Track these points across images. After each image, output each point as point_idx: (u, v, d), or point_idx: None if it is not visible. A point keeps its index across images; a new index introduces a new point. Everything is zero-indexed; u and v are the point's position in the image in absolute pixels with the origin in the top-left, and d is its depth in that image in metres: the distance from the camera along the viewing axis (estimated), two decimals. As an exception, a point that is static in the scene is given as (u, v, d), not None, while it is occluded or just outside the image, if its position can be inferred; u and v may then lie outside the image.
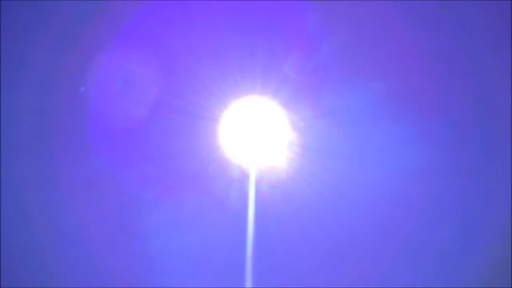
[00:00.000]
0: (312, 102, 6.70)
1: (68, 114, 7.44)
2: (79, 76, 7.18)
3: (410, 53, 6.94)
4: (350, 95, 6.74)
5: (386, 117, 7.17)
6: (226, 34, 6.70)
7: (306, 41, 6.74)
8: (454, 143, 7.58)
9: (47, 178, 7.48)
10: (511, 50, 6.77)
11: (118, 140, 7.12)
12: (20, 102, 7.53)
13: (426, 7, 6.69)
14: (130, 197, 7.16)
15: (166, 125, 7.13)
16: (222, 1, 6.73)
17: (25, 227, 7.12)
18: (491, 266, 7.36)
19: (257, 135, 6.73)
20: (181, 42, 6.98)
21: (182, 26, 6.97)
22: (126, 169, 7.24)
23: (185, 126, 7.28)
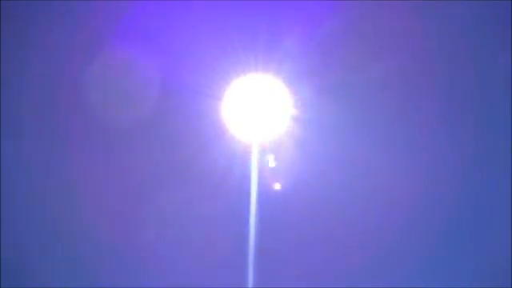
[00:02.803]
0: (314, 78, 6.71)
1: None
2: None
3: (410, 32, 6.96)
4: (351, 72, 6.75)
5: (386, 93, 7.17)
6: (228, 12, 6.73)
7: (308, 18, 6.75)
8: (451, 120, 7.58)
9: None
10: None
11: (121, 119, 7.13)
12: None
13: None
14: (136, 175, 7.20)
15: (170, 103, 7.14)
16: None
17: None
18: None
19: (259, 111, 6.78)
20: (184, 19, 6.99)
21: (186, 3, 6.98)
22: (131, 148, 7.26)
23: (188, 104, 7.29)
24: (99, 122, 7.41)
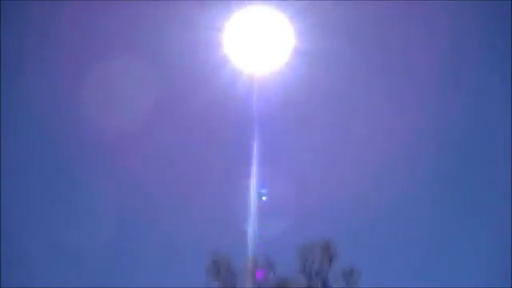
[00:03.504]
0: (315, 10, 6.87)
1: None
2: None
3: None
4: (351, 4, 6.94)
5: (387, 27, 7.37)
6: None
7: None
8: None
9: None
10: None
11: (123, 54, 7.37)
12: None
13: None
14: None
15: (171, 36, 7.36)
16: None
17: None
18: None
19: (260, 42, 6.99)
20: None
21: None
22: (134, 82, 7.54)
23: (190, 36, 7.50)
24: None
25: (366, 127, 24.16)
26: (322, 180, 24.47)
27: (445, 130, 24.56)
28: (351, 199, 24.99)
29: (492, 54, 23.01)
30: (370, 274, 22.83)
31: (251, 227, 23.15)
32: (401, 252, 26.05)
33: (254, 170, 22.74)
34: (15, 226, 20.74)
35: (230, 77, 18.56)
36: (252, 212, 23.42)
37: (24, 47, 20.15)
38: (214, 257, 22.67)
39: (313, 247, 23.09)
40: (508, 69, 21.90)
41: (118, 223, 22.76)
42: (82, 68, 20.91)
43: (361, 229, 25.55)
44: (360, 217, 25.52)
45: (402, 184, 25.65)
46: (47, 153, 22.40)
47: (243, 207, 23.22)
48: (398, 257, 25.84)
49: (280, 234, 24.33)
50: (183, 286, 23.78)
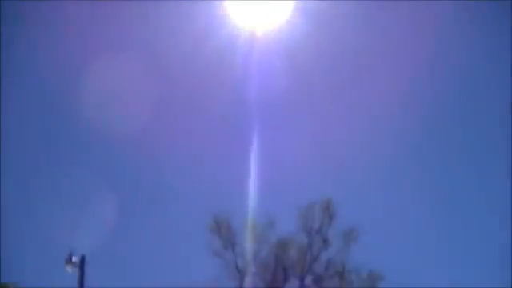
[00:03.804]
0: None
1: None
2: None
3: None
4: None
5: None
6: None
7: None
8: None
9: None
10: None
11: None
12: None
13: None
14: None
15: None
16: None
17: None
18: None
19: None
20: None
21: None
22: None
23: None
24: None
25: (367, 88, 24.28)
26: (323, 140, 24.67)
27: (442, 90, 24.67)
28: (351, 159, 25.20)
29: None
30: (368, 233, 23.11)
31: (252, 187, 23.45)
32: (399, 211, 26.37)
33: (256, 130, 22.95)
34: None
35: (231, 36, 18.80)
36: (253, 172, 23.70)
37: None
38: (215, 216, 22.98)
39: (313, 207, 23.37)
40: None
41: (123, 186, 23.09)
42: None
43: (360, 189, 25.84)
44: (359, 177, 25.78)
45: (401, 145, 25.85)
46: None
47: (244, 168, 23.46)
48: (397, 216, 26.17)
49: (281, 193, 24.65)
50: (186, 244, 24.19)
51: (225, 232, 23.07)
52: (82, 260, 17.78)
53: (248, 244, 23.16)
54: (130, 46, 22.13)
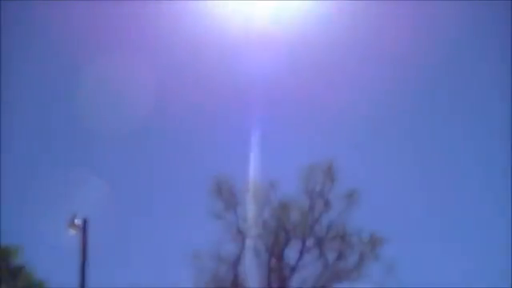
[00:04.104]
0: None
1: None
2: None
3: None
4: None
5: None
6: None
7: None
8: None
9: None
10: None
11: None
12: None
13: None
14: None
15: None
16: None
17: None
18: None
19: None
20: None
21: None
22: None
23: None
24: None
25: (369, 49, 24.03)
26: (324, 102, 24.47)
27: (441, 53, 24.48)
28: (353, 121, 25.06)
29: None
30: (370, 195, 23.02)
31: (254, 149, 23.27)
32: (401, 174, 26.31)
33: (258, 93, 22.73)
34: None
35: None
36: (255, 134, 23.50)
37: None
38: (217, 178, 22.78)
39: (315, 169, 23.18)
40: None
41: (124, 150, 22.88)
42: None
43: (362, 150, 25.73)
44: (361, 138, 25.66)
45: (403, 106, 25.69)
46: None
47: (246, 130, 23.28)
48: (399, 178, 26.12)
49: (282, 156, 24.49)
50: (187, 207, 24.10)
51: (226, 194, 22.90)
52: (85, 223, 17.60)
53: (250, 206, 23.01)
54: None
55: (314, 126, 24.19)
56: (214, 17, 21.19)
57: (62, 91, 22.24)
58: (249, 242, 22.76)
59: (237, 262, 22.47)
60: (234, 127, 23.87)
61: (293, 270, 22.66)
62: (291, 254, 22.89)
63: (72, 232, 17.40)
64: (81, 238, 17.44)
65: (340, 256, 22.70)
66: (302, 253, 22.74)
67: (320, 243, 22.82)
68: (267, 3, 21.53)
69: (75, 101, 21.38)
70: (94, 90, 21.14)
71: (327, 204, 22.96)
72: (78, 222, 17.48)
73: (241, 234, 22.69)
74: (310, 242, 22.85)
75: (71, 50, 22.10)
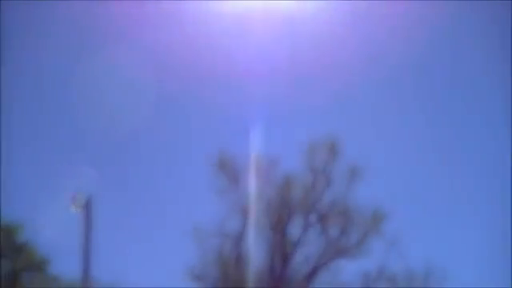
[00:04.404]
0: None
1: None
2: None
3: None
4: None
5: None
6: None
7: None
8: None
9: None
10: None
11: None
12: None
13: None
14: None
15: None
16: None
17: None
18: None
19: None
20: None
21: None
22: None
23: None
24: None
25: (372, 27, 23.83)
26: (327, 78, 24.31)
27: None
28: (356, 97, 24.91)
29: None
30: (373, 171, 22.96)
31: (256, 125, 23.17)
32: (404, 149, 26.21)
33: (260, 70, 22.59)
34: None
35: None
36: (257, 110, 23.38)
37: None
38: (220, 154, 22.73)
39: (318, 145, 23.11)
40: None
41: (127, 126, 22.78)
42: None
43: (365, 127, 25.61)
44: (364, 115, 25.53)
45: (406, 82, 25.55)
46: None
47: (249, 106, 23.16)
48: (402, 154, 26.03)
49: (285, 132, 24.38)
50: (190, 183, 24.05)
51: (229, 171, 22.84)
52: (88, 200, 17.57)
53: (252, 183, 22.95)
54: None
55: (317, 102, 24.01)
56: None
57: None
58: (251, 219, 22.74)
59: (239, 238, 22.46)
60: (236, 103, 23.72)
61: (295, 246, 22.68)
62: (294, 230, 22.91)
63: (75, 209, 17.38)
64: (84, 216, 17.44)
65: (343, 232, 22.70)
66: (304, 229, 22.75)
67: (323, 219, 22.80)
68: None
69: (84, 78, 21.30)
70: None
71: (330, 180, 22.92)
72: (81, 199, 17.47)
73: (243, 211, 22.65)
74: (312, 219, 22.84)
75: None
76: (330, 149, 23.10)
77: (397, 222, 22.55)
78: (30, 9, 19.35)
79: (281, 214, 22.82)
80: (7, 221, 16.74)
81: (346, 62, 24.40)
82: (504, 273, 20.82)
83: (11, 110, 20.76)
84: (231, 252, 22.55)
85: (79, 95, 21.20)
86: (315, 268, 22.63)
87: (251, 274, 22.47)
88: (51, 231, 17.83)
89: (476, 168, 25.85)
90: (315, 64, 24.02)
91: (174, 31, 21.66)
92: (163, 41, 21.38)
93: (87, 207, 17.42)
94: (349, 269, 22.61)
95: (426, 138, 26.55)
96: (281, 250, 22.64)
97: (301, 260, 22.78)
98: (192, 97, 23.25)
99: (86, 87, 21.10)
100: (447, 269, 22.00)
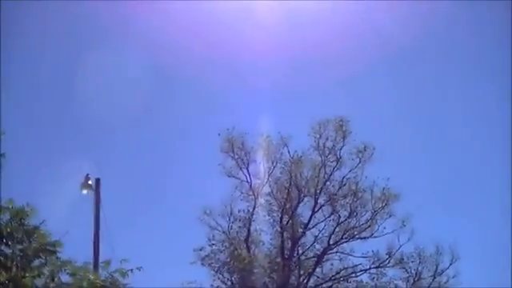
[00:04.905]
0: None
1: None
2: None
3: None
4: None
5: None
6: None
7: None
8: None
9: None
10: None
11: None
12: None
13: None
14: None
15: None
16: None
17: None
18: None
19: None
20: None
21: None
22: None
23: None
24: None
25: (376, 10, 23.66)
26: (337, 57, 24.16)
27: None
28: (365, 77, 24.77)
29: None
30: (382, 151, 22.82)
31: (266, 105, 23.02)
32: (413, 129, 26.12)
33: (269, 48, 22.43)
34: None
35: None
36: (266, 90, 23.23)
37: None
38: (229, 135, 22.54)
39: (327, 125, 22.91)
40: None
41: (135, 108, 22.65)
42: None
43: (374, 106, 25.49)
44: (373, 94, 25.39)
45: (416, 61, 25.39)
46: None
47: (258, 86, 23.00)
48: (411, 134, 25.94)
49: (295, 111, 24.24)
50: (199, 165, 23.96)
51: (238, 151, 22.68)
52: (98, 182, 17.49)
53: (262, 163, 22.80)
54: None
55: (326, 82, 23.84)
56: None
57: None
58: (261, 200, 22.62)
59: (249, 219, 22.35)
60: (245, 83, 23.55)
61: (305, 227, 22.57)
62: (303, 211, 22.80)
63: (85, 191, 17.29)
64: (94, 198, 17.37)
65: (352, 213, 22.56)
66: (314, 210, 22.61)
67: (332, 200, 22.64)
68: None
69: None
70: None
71: (339, 160, 22.74)
72: (91, 181, 17.38)
73: (253, 191, 22.52)
74: (322, 199, 22.70)
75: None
76: (339, 128, 22.89)
77: (406, 202, 22.41)
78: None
79: (290, 194, 22.65)
80: (18, 205, 16.57)
81: (353, 44, 24.24)
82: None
83: (19, 102, 20.66)
84: (241, 233, 22.44)
85: (84, 85, 21.04)
86: (325, 249, 22.52)
87: (260, 256, 22.40)
88: (63, 214, 17.74)
89: (486, 144, 25.79)
90: (325, 44, 23.84)
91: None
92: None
93: (97, 190, 17.36)
94: (358, 249, 22.51)
95: (437, 116, 26.47)
96: (290, 230, 22.51)
97: (310, 241, 22.69)
98: (203, 79, 23.08)
99: (89, 79, 20.95)
100: (457, 248, 21.91)
